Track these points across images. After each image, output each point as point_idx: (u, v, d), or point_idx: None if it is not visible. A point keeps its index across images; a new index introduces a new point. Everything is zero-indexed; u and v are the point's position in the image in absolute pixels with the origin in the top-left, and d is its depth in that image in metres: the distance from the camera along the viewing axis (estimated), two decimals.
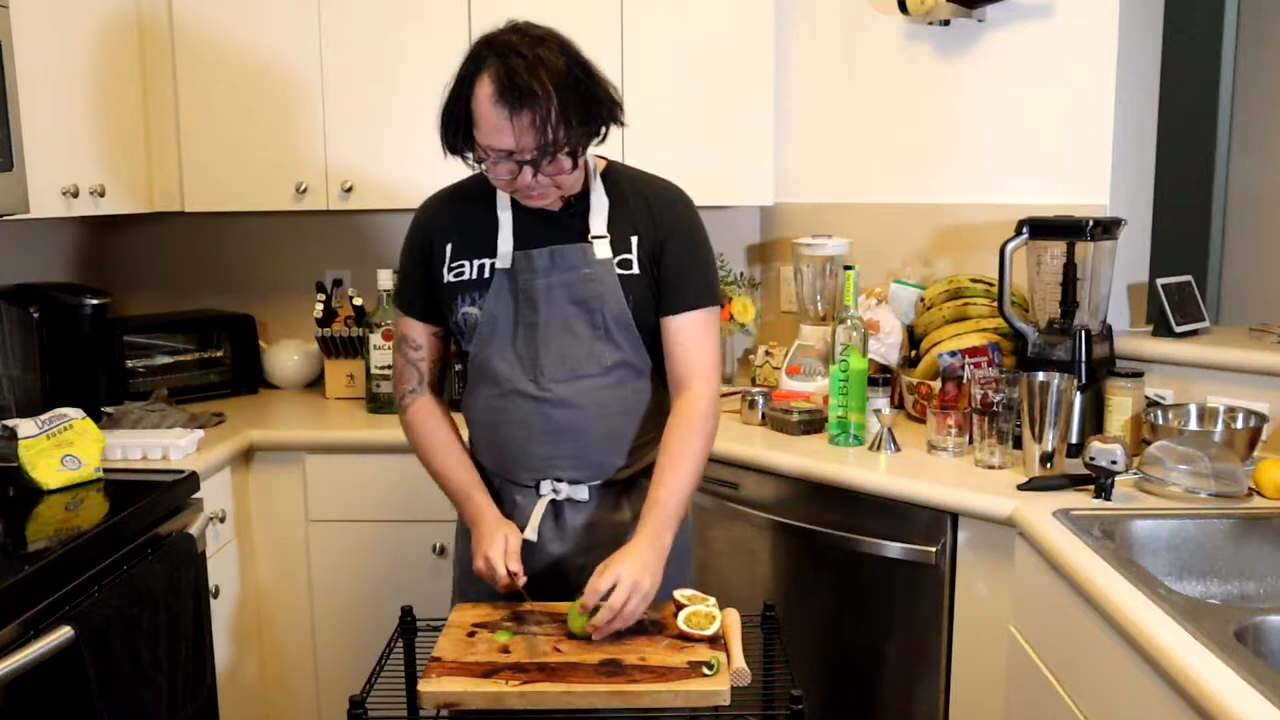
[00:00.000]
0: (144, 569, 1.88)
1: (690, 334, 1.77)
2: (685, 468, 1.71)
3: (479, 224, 1.78)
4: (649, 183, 1.84)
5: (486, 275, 1.76)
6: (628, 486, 1.81)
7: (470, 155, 1.69)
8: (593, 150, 1.73)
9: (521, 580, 1.66)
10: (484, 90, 1.60)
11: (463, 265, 1.78)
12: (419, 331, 1.86)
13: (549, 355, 1.75)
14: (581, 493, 1.78)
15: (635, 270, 1.76)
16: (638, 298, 1.76)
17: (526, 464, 1.79)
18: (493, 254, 1.76)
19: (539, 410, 1.75)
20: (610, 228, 1.77)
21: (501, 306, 1.76)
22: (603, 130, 1.69)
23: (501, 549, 1.68)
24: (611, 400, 1.76)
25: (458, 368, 2.50)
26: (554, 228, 1.76)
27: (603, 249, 1.75)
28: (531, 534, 1.75)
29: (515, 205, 1.77)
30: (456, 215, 1.82)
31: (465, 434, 1.88)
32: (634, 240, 1.77)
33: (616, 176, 1.81)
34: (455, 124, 1.66)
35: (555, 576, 1.79)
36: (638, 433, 1.79)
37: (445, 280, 1.79)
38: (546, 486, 1.78)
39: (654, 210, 1.78)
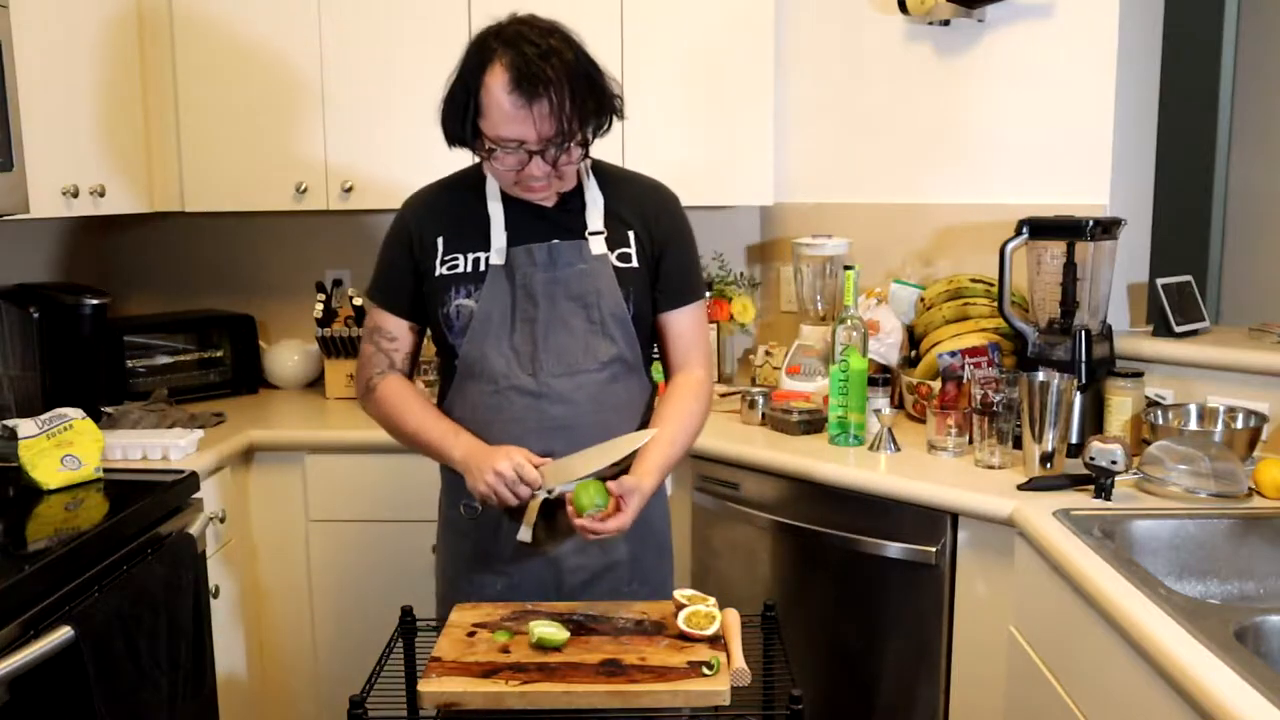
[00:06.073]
0: (144, 569, 1.89)
1: (689, 326, 1.86)
2: (685, 425, 1.79)
3: (470, 217, 1.79)
4: (637, 180, 1.88)
5: (481, 269, 1.76)
6: None
7: (476, 146, 1.69)
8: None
9: (540, 484, 1.66)
10: (497, 80, 1.60)
11: (456, 258, 1.78)
12: (395, 324, 1.85)
13: (548, 350, 1.75)
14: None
15: (635, 264, 1.79)
16: (637, 292, 1.78)
17: None
18: (486, 248, 1.76)
19: (535, 406, 1.75)
20: (605, 223, 1.78)
21: (496, 302, 1.75)
22: (610, 121, 1.71)
23: (520, 456, 1.66)
24: (606, 396, 1.77)
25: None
26: (547, 223, 1.77)
27: (598, 245, 1.77)
28: (526, 534, 1.74)
29: (505, 199, 1.77)
30: (445, 209, 1.82)
31: None
32: (631, 235, 1.79)
33: (605, 173, 1.84)
34: (462, 115, 1.66)
35: (549, 576, 1.79)
36: (631, 429, 1.79)
37: (438, 273, 1.78)
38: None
39: (650, 210, 1.82)
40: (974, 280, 2.54)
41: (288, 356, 3.01)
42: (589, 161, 1.80)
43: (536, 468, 1.67)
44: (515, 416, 1.75)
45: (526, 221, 1.77)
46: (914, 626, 2.08)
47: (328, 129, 2.71)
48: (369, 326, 1.88)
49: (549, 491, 1.68)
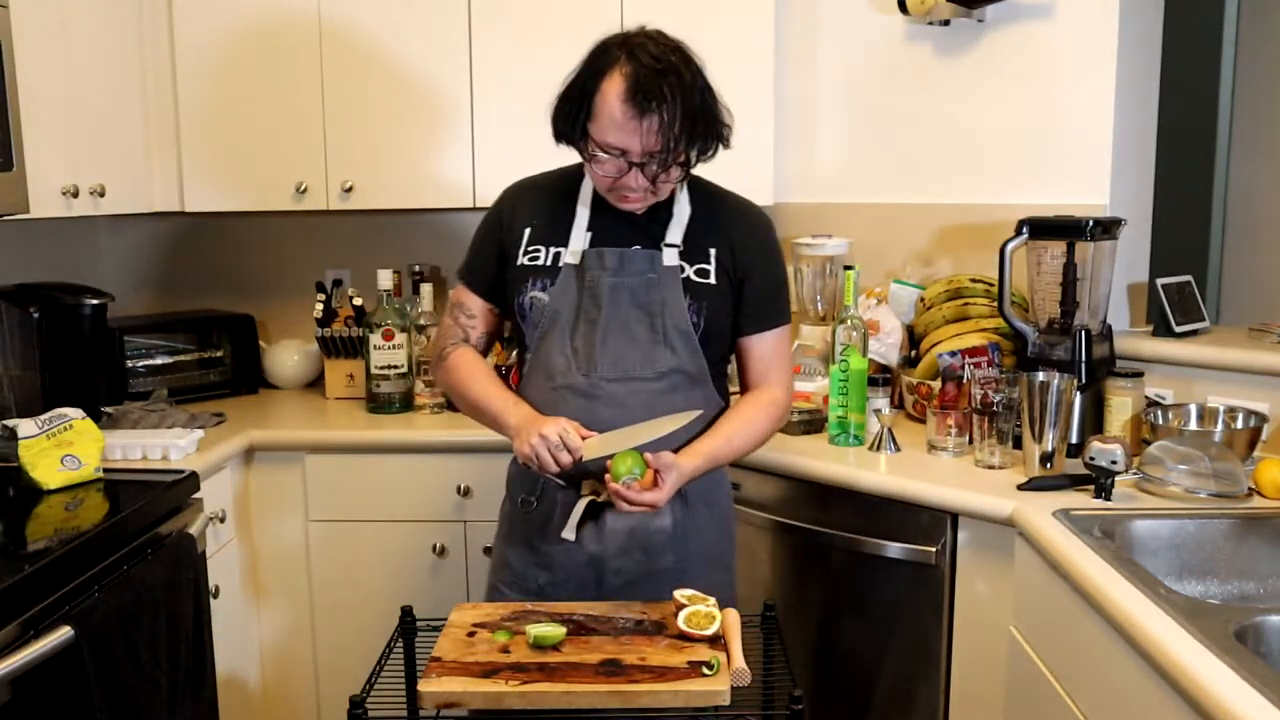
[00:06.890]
0: (144, 569, 1.88)
1: (772, 349, 1.88)
2: (742, 429, 1.81)
3: (559, 215, 1.82)
4: (731, 200, 1.88)
5: (559, 264, 1.79)
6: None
7: (581, 147, 1.71)
8: None
9: (581, 452, 1.66)
10: (614, 87, 1.63)
11: (538, 250, 1.81)
12: (475, 303, 1.90)
13: (604, 353, 1.76)
14: None
15: (712, 281, 1.80)
16: (712, 308, 1.79)
17: None
18: (566, 245, 1.79)
19: (588, 407, 1.76)
20: (687, 238, 1.80)
21: (565, 300, 1.78)
22: (716, 148, 1.73)
23: (569, 425, 1.67)
24: (661, 405, 1.76)
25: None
26: (631, 229, 1.79)
27: (671, 257, 1.78)
28: (570, 533, 1.77)
29: (595, 202, 1.80)
30: (539, 202, 1.85)
31: None
32: (713, 253, 1.80)
33: (700, 189, 1.85)
34: (574, 114, 1.69)
35: (590, 575, 1.80)
36: (684, 440, 1.78)
37: (519, 262, 1.82)
38: (588, 486, 1.79)
39: (738, 232, 1.83)
40: (974, 280, 2.54)
41: (288, 356, 3.01)
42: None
43: (584, 439, 1.68)
44: (568, 415, 1.75)
45: (612, 225, 1.79)
46: (914, 626, 2.08)
47: (328, 129, 2.71)
48: (452, 301, 1.94)
49: (594, 486, 1.72)
